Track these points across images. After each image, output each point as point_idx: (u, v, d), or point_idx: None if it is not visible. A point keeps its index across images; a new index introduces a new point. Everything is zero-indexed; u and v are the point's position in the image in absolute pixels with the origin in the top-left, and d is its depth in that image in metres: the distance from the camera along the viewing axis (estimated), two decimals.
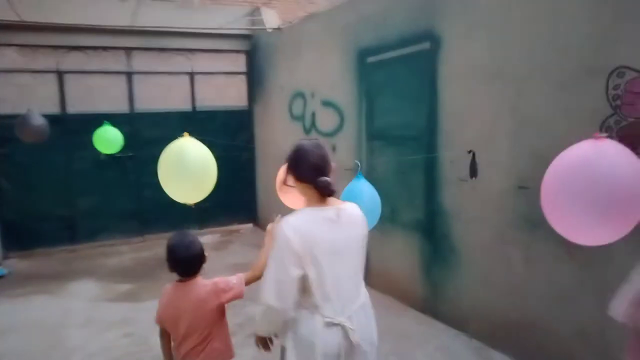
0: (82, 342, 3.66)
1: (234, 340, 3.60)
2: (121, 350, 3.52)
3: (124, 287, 4.94)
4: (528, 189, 2.97)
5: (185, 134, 2.30)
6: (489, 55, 3.21)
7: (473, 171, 2.88)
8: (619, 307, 1.51)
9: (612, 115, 2.53)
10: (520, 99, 3.02)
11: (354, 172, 2.37)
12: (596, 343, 2.67)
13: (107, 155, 5.13)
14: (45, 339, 3.73)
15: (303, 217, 1.74)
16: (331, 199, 1.80)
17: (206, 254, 2.16)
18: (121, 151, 6.01)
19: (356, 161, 2.06)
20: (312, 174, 1.74)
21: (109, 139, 5.01)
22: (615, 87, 2.50)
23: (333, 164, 1.80)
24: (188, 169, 2.21)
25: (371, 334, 1.86)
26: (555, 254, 2.85)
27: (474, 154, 2.91)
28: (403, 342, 3.47)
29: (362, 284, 1.90)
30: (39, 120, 4.59)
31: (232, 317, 4.01)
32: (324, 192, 1.75)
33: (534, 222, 2.96)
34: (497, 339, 3.28)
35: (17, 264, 5.85)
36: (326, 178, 1.73)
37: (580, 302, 2.73)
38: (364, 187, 2.39)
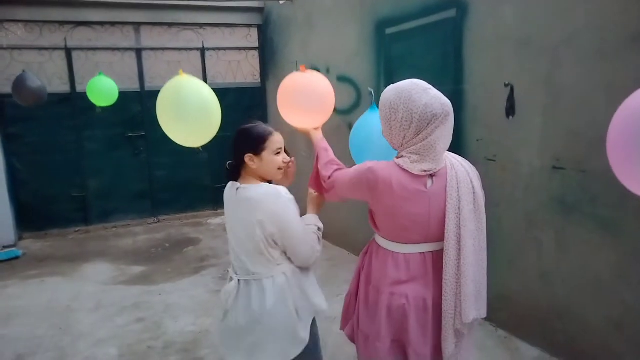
0: (92, 328, 3.57)
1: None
2: (132, 336, 3.43)
3: (137, 269, 4.86)
4: (564, 169, 2.72)
5: (180, 71, 2.04)
6: (520, 22, 2.92)
7: (511, 108, 2.56)
8: None
9: None
10: (555, 70, 2.74)
11: (369, 100, 2.04)
12: (635, 337, 2.45)
13: (102, 108, 4.76)
14: (54, 323, 3.66)
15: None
16: (247, 177, 1.82)
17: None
18: (131, 130, 5.88)
19: (369, 88, 1.84)
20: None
21: (103, 91, 4.63)
22: None
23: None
24: (188, 110, 1.95)
25: (251, 315, 1.80)
26: (591, 239, 2.62)
27: (512, 88, 2.62)
28: None
29: (264, 269, 1.80)
30: (35, 82, 4.40)
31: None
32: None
33: (569, 205, 2.72)
34: (525, 329, 3.09)
35: (31, 244, 5.83)
36: (230, 163, 1.84)
37: (619, 293, 2.51)
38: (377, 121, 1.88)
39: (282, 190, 1.76)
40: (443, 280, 1.59)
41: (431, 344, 1.64)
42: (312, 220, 1.92)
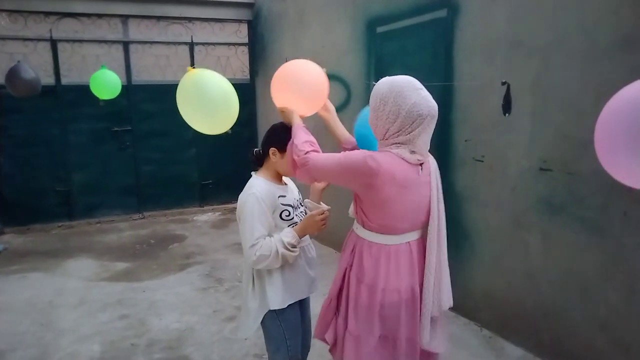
0: (75, 324, 3.51)
1: (233, 325, 3.48)
2: (115, 333, 3.37)
3: (121, 265, 4.79)
4: (551, 171, 2.74)
5: (189, 68, 2.13)
6: (510, 23, 2.93)
7: (507, 105, 2.62)
8: None
9: None
10: (544, 71, 2.76)
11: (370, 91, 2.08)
12: (620, 338, 2.48)
13: (105, 101, 4.86)
14: (36, 319, 3.59)
15: None
16: (265, 170, 2.06)
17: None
18: (117, 124, 5.81)
19: (373, 82, 1.89)
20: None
21: (106, 84, 4.72)
22: None
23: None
24: (211, 99, 2.07)
25: None
26: (577, 240, 2.64)
27: (508, 86, 2.69)
28: None
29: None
30: (29, 73, 4.41)
31: (231, 300, 3.90)
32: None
33: (555, 207, 2.74)
34: (510, 329, 3.11)
35: (13, 239, 5.71)
36: (257, 150, 2.08)
37: (604, 294, 2.54)
38: None
39: (256, 186, 1.94)
40: (426, 269, 1.67)
41: (418, 330, 1.69)
42: (285, 234, 1.92)
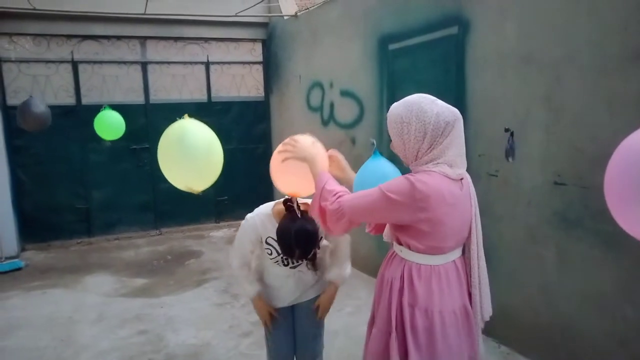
0: (94, 340, 3.57)
1: (249, 340, 3.50)
2: (133, 348, 3.42)
3: (139, 281, 4.86)
4: (565, 185, 2.74)
5: (186, 116, 2.06)
6: (521, 39, 2.96)
7: (511, 152, 2.66)
8: None
9: None
10: (556, 86, 2.77)
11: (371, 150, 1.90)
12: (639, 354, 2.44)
13: (109, 141, 4.85)
14: (56, 335, 3.66)
15: None
16: None
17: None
18: (136, 142, 5.93)
19: (372, 139, 1.85)
20: None
21: (110, 124, 4.64)
22: None
23: None
24: (190, 153, 1.96)
25: None
26: (593, 255, 2.62)
27: (512, 133, 2.71)
28: None
29: None
30: (40, 108, 4.39)
31: (247, 316, 3.92)
32: None
33: (570, 221, 2.73)
34: (527, 345, 3.07)
35: (34, 256, 5.83)
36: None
37: (622, 308, 2.50)
38: (384, 167, 1.81)
39: (256, 214, 2.26)
40: (472, 285, 1.65)
41: (477, 346, 1.68)
42: (247, 291, 2.30)
